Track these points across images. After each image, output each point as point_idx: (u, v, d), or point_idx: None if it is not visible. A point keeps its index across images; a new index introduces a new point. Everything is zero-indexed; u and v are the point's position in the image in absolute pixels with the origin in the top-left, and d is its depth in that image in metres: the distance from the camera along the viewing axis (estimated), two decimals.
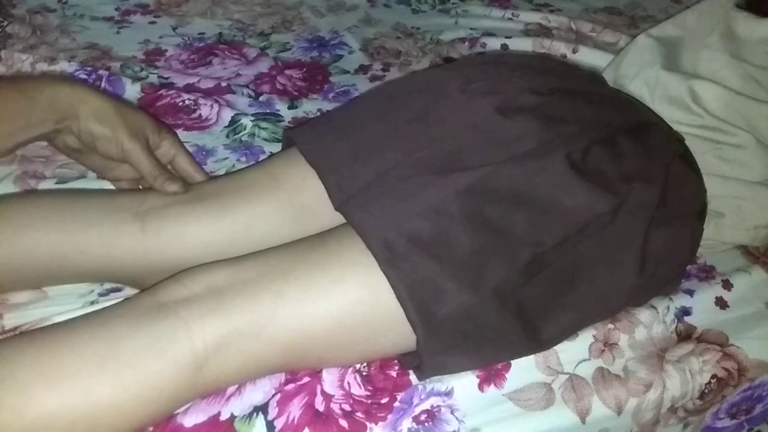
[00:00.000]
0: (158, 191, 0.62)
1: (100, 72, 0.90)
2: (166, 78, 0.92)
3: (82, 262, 0.59)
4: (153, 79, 0.92)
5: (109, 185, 0.71)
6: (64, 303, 0.61)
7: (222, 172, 0.78)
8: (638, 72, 0.80)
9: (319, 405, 0.56)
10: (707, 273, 0.73)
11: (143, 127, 0.64)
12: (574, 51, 1.07)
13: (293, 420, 0.55)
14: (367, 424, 0.56)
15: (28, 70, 0.89)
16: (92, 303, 0.61)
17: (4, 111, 0.57)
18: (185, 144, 0.81)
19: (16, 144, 0.59)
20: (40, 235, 0.57)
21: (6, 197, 0.60)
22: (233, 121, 0.86)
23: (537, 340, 0.59)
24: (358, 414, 0.56)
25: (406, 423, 0.56)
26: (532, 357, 0.61)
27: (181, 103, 0.87)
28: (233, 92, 0.91)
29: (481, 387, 0.59)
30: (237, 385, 0.56)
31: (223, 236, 0.60)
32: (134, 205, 0.60)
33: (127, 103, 0.66)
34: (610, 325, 0.66)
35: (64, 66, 0.89)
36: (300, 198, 0.62)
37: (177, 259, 0.58)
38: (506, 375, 0.60)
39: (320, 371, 0.58)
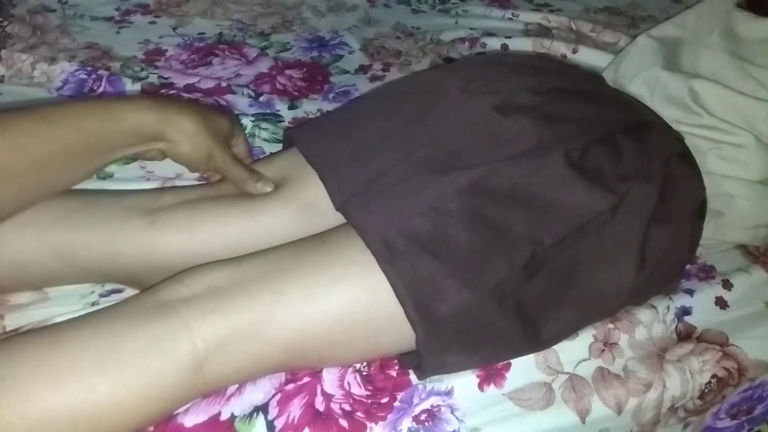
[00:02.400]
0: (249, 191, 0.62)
1: (100, 72, 0.90)
2: (166, 78, 0.92)
3: (87, 261, 0.59)
4: (153, 79, 0.92)
5: (115, 186, 0.71)
6: (65, 304, 0.61)
7: None
8: (638, 72, 0.80)
9: (319, 405, 0.56)
10: (707, 273, 0.73)
11: (225, 132, 0.63)
12: (574, 51, 1.07)
13: (293, 420, 0.55)
14: (367, 423, 0.56)
15: (28, 70, 0.89)
16: (93, 304, 0.61)
17: (83, 137, 0.54)
18: None
19: (94, 169, 0.58)
20: (45, 235, 0.57)
21: None
22: None
23: (536, 339, 0.59)
24: (358, 414, 0.56)
25: (406, 423, 0.56)
26: (532, 357, 0.61)
27: None
28: (233, 92, 0.91)
29: (481, 386, 0.60)
30: (237, 385, 0.56)
31: (229, 235, 0.60)
32: (145, 204, 0.61)
33: (203, 106, 0.64)
34: (610, 325, 0.66)
35: (64, 66, 0.90)
36: (305, 197, 0.63)
37: (182, 257, 0.59)
38: (506, 375, 0.60)
39: (320, 371, 0.58)
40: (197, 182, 0.74)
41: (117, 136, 0.56)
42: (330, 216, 0.61)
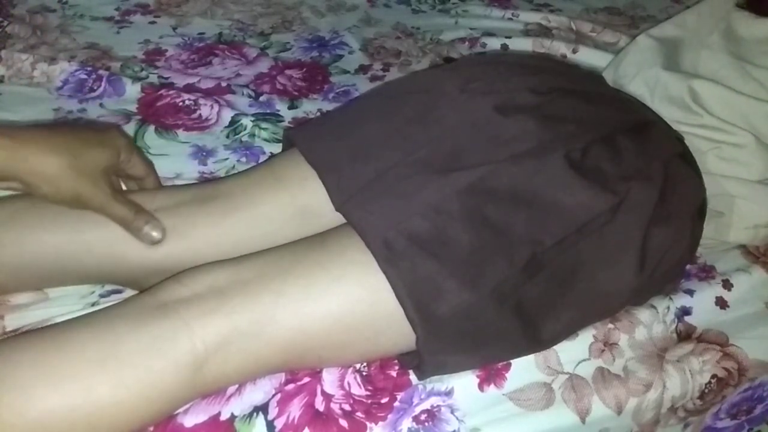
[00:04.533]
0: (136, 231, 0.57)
1: (100, 72, 0.90)
2: (166, 78, 0.93)
3: (87, 262, 0.59)
4: (153, 79, 0.92)
5: None
6: (65, 304, 0.61)
7: (222, 172, 0.78)
8: (638, 72, 0.80)
9: (319, 405, 0.56)
10: (707, 273, 0.73)
11: (102, 165, 0.56)
12: (574, 51, 1.07)
13: (293, 420, 0.55)
14: (367, 424, 0.56)
15: (28, 70, 0.89)
16: (93, 304, 0.61)
17: None
18: (185, 144, 0.82)
19: None
20: (46, 237, 0.57)
21: (11, 198, 0.60)
22: (233, 122, 0.86)
23: (537, 340, 0.59)
24: (358, 414, 0.56)
25: (406, 423, 0.56)
26: (532, 357, 0.61)
27: (181, 103, 0.87)
28: (233, 92, 0.91)
29: (481, 387, 0.60)
30: (237, 385, 0.56)
31: (227, 236, 0.60)
32: (144, 205, 0.60)
33: (77, 136, 0.56)
34: (610, 325, 0.66)
35: (64, 66, 0.90)
36: (303, 198, 0.63)
37: (181, 258, 0.59)
38: (506, 375, 0.60)
39: (320, 371, 0.58)
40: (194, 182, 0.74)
41: None
42: (328, 217, 0.61)
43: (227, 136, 0.84)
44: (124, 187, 0.65)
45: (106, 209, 0.56)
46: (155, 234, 0.57)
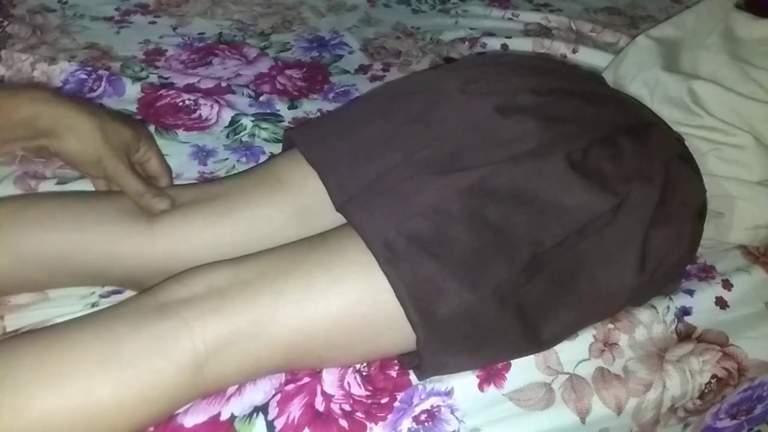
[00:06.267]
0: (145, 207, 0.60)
1: (100, 72, 0.90)
2: (166, 78, 0.92)
3: (86, 262, 0.59)
4: (153, 79, 0.92)
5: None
6: (65, 304, 0.61)
7: (222, 172, 0.78)
8: (638, 73, 0.80)
9: (319, 405, 0.56)
10: (707, 273, 0.73)
11: (125, 140, 0.61)
12: (574, 51, 1.07)
13: (293, 420, 0.55)
14: (367, 424, 0.56)
15: (28, 70, 0.89)
16: (93, 305, 0.61)
17: None
18: (185, 144, 0.82)
19: None
20: (45, 236, 0.57)
21: (10, 199, 0.60)
22: (233, 122, 0.86)
23: (537, 340, 0.59)
24: (358, 414, 0.56)
25: (406, 423, 0.56)
26: (532, 357, 0.61)
27: (181, 103, 0.87)
28: (233, 92, 0.91)
29: (481, 387, 0.60)
30: (237, 385, 0.56)
31: (226, 236, 0.60)
32: None
33: (107, 111, 0.62)
34: (610, 325, 0.66)
35: (64, 66, 0.89)
36: (302, 198, 0.63)
37: (181, 258, 0.59)
38: (506, 375, 0.60)
39: (320, 371, 0.58)
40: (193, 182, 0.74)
41: (9, 130, 0.55)
42: (329, 218, 0.61)
43: (227, 136, 0.84)
44: None
45: (121, 177, 0.60)
46: (162, 205, 0.60)
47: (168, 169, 0.68)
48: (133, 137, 0.62)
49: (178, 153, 0.80)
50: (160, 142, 0.81)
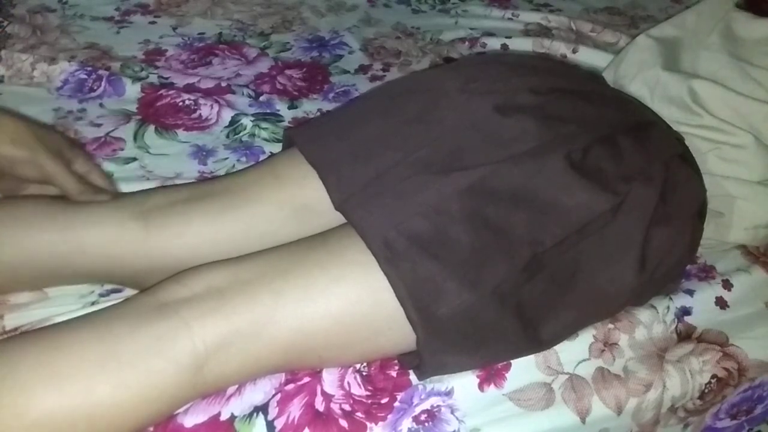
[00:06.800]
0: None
1: (100, 72, 0.90)
2: (166, 78, 0.92)
3: (83, 262, 0.59)
4: (153, 79, 0.92)
5: None
6: (64, 303, 0.61)
7: (222, 172, 0.78)
8: (638, 72, 0.80)
9: (319, 405, 0.56)
10: (707, 273, 0.73)
11: (57, 143, 0.61)
12: (574, 51, 1.07)
13: (293, 420, 0.55)
14: (367, 424, 0.56)
15: (28, 70, 0.89)
16: (93, 303, 0.61)
17: None
18: (185, 144, 0.82)
19: None
20: (41, 235, 0.57)
21: (6, 199, 0.60)
22: (233, 121, 0.86)
23: (537, 340, 0.59)
24: (358, 414, 0.56)
25: (406, 423, 0.56)
26: (532, 357, 0.61)
27: (181, 103, 0.87)
28: (233, 92, 0.91)
29: (481, 387, 0.60)
30: (237, 385, 0.56)
31: (224, 235, 0.60)
32: (137, 204, 0.60)
33: (38, 123, 0.62)
34: (610, 325, 0.66)
35: (64, 66, 0.89)
36: (301, 197, 0.62)
37: (178, 257, 0.59)
38: (506, 375, 0.60)
39: (320, 371, 0.58)
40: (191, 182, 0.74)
41: None
42: (328, 216, 0.61)
43: (227, 136, 0.84)
44: None
45: (60, 175, 0.59)
46: (102, 197, 0.60)
47: (110, 181, 0.68)
48: (66, 144, 0.62)
49: (178, 153, 0.80)
50: (160, 141, 0.82)
